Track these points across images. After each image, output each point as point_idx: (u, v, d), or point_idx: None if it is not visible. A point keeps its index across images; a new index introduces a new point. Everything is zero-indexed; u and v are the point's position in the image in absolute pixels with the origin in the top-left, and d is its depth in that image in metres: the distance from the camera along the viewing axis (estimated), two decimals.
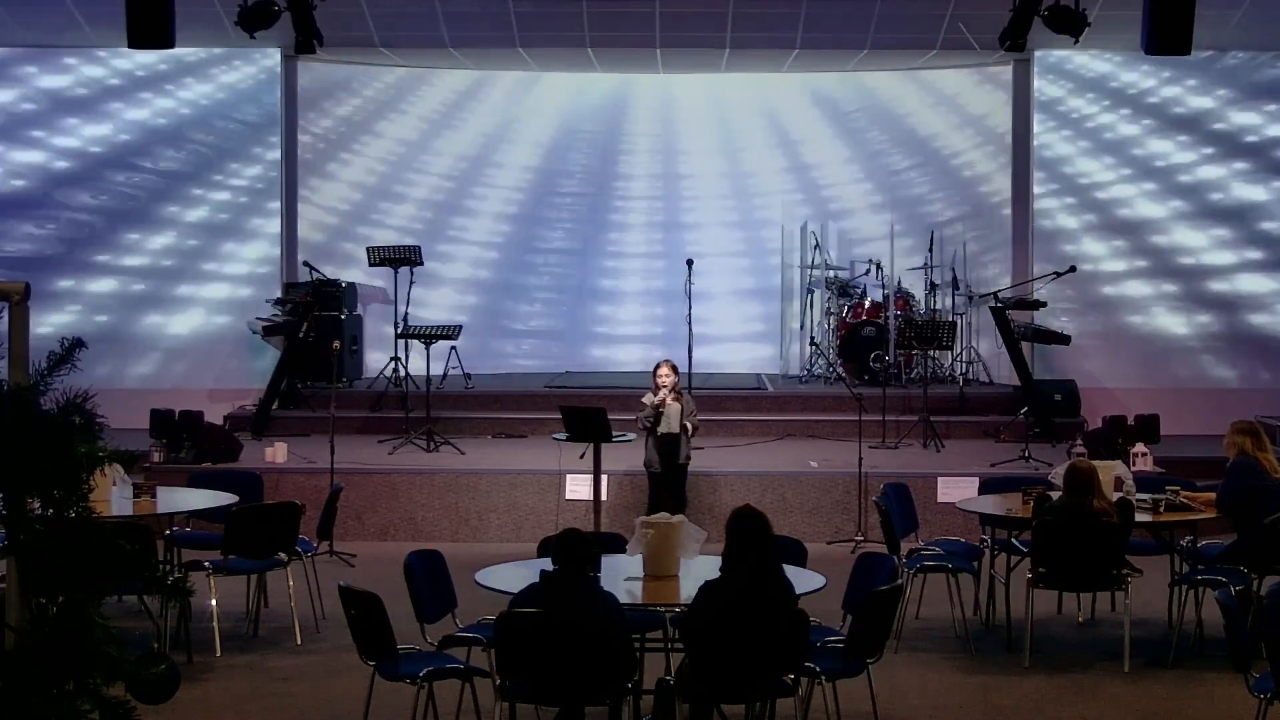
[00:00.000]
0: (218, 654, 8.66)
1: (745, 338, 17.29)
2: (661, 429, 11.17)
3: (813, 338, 16.04)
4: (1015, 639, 8.86)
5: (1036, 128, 15.53)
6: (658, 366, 11.39)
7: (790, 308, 16.85)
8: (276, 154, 15.60)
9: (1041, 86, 15.54)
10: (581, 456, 11.47)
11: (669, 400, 11.17)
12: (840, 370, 15.28)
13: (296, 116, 15.84)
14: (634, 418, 11.40)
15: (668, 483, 11.29)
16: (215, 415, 13.98)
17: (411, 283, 15.08)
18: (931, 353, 15.02)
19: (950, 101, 16.68)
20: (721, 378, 15.96)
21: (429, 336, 13.94)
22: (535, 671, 6.41)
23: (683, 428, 11.21)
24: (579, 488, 11.94)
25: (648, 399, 11.25)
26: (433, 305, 16.31)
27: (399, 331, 14.76)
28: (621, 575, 7.14)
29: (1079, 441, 12.34)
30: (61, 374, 4.17)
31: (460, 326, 14.33)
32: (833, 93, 17.20)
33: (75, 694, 4.06)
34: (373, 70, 16.40)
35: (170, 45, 11.81)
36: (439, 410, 13.93)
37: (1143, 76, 15.54)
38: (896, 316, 15.25)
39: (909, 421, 13.84)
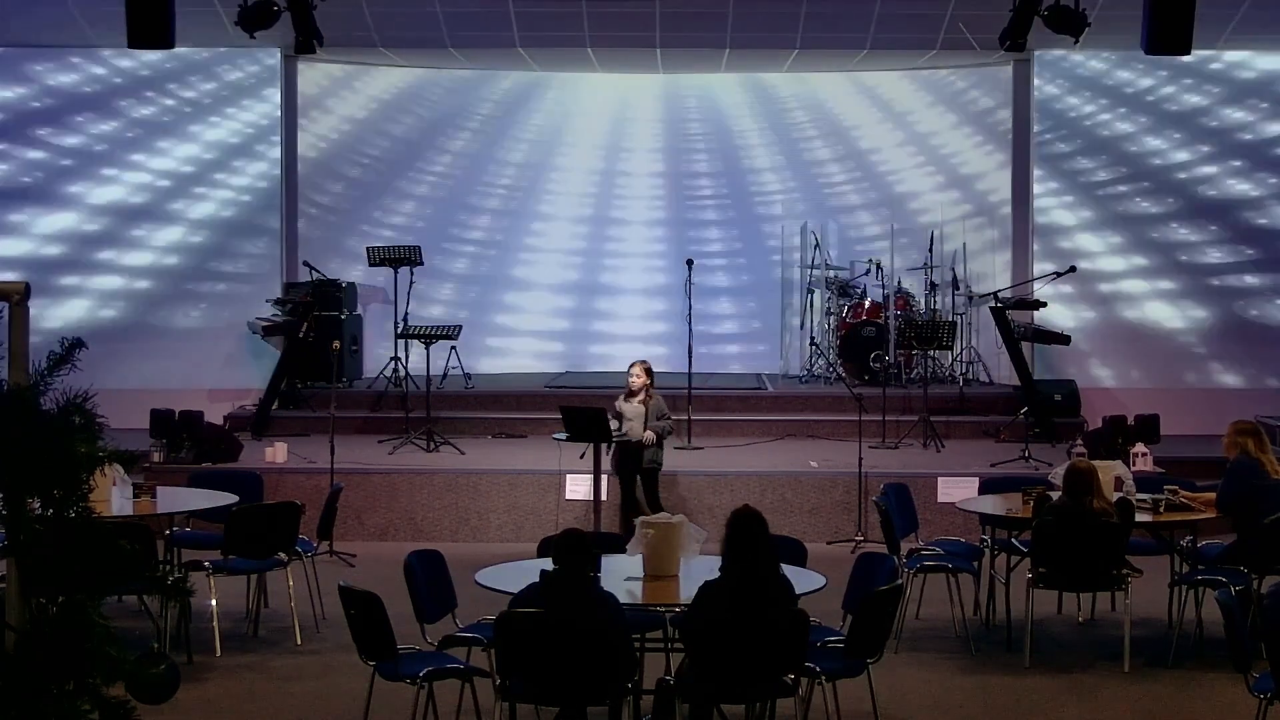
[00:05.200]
0: (218, 654, 8.66)
1: (745, 337, 17.30)
2: (623, 432, 11.17)
3: (813, 338, 16.03)
4: (1015, 639, 8.86)
5: (1036, 127, 15.54)
6: (631, 366, 11.41)
7: (790, 307, 16.85)
8: (276, 154, 15.60)
9: (1041, 86, 15.54)
10: (581, 456, 11.47)
11: (635, 402, 11.21)
12: (840, 370, 15.27)
13: (297, 116, 15.84)
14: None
15: (636, 488, 11.34)
16: (215, 415, 13.98)
17: (411, 282, 15.08)
18: (931, 353, 15.02)
19: (950, 101, 16.68)
20: (721, 378, 15.97)
21: (429, 336, 13.94)
22: (535, 672, 6.40)
23: (645, 438, 11.22)
24: (579, 488, 11.95)
25: (618, 403, 11.26)
26: (433, 305, 16.31)
27: (399, 331, 14.76)
28: (621, 575, 7.14)
29: (1079, 441, 12.33)
30: (61, 374, 4.17)
31: (460, 326, 14.34)
32: (833, 93, 17.20)
33: (75, 694, 4.06)
34: (373, 70, 16.40)
35: (170, 45, 11.81)
36: (439, 410, 13.93)
37: (1142, 76, 15.54)
38: (896, 316, 15.25)
39: (909, 421, 13.84)
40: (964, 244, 16.12)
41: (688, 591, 6.74)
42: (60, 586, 4.11)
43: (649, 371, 11.38)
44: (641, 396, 11.27)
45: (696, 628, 6.47)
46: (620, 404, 11.29)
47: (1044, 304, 14.76)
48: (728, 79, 16.96)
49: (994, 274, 15.92)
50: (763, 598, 6.49)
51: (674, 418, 12.03)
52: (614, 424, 11.12)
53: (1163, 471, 11.64)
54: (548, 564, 6.60)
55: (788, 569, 6.82)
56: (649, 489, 11.42)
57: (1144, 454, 12.29)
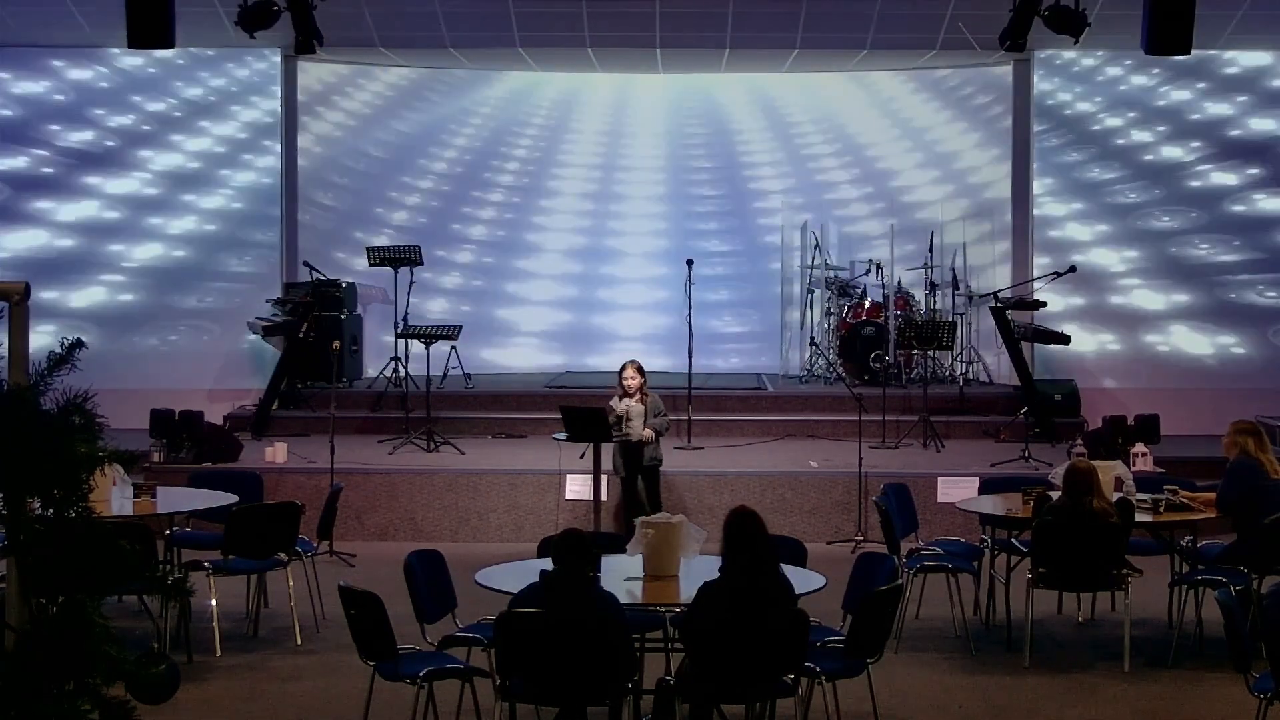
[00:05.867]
0: (218, 654, 8.66)
1: (745, 338, 17.30)
2: (625, 431, 11.16)
3: (813, 338, 16.04)
4: (1015, 639, 8.86)
5: (1036, 128, 15.53)
6: (623, 368, 11.39)
7: (790, 308, 16.85)
8: (276, 154, 15.60)
9: (1041, 86, 15.54)
10: (581, 456, 11.47)
11: (634, 402, 11.19)
12: (840, 370, 15.27)
13: (296, 116, 15.84)
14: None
15: (637, 486, 11.31)
16: (215, 415, 13.98)
17: (411, 283, 15.08)
18: (931, 353, 15.03)
19: (950, 101, 16.68)
20: (721, 378, 15.97)
21: (429, 336, 13.94)
22: (535, 672, 6.41)
23: (644, 436, 11.20)
24: (579, 488, 11.95)
25: (613, 403, 11.26)
26: (433, 305, 16.30)
27: (399, 331, 14.76)
28: (621, 575, 7.14)
29: (1079, 441, 12.33)
30: (61, 374, 4.17)
31: (460, 326, 14.33)
32: (833, 93, 17.20)
33: (75, 694, 4.06)
34: (373, 70, 16.40)
35: (170, 45, 11.81)
36: (439, 410, 13.93)
37: (1143, 77, 15.54)
38: (896, 316, 15.25)
39: (909, 421, 13.84)
40: (964, 244, 16.12)
41: (688, 591, 6.74)
42: (60, 586, 4.11)
43: (642, 370, 11.38)
44: (638, 396, 11.27)
45: (696, 628, 6.47)
46: (617, 404, 11.27)
47: (1044, 304, 14.76)
48: (728, 79, 16.96)
49: (994, 274, 15.92)
50: (762, 598, 6.49)
51: (673, 417, 12.04)
52: (619, 424, 11.11)
53: (1163, 471, 11.63)
54: (548, 564, 6.60)
55: (788, 569, 6.81)
56: (651, 487, 11.42)
57: (1144, 454, 12.29)
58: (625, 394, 11.29)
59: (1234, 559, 8.81)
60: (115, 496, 8.74)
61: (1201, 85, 15.50)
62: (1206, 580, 8.79)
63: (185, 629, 8.64)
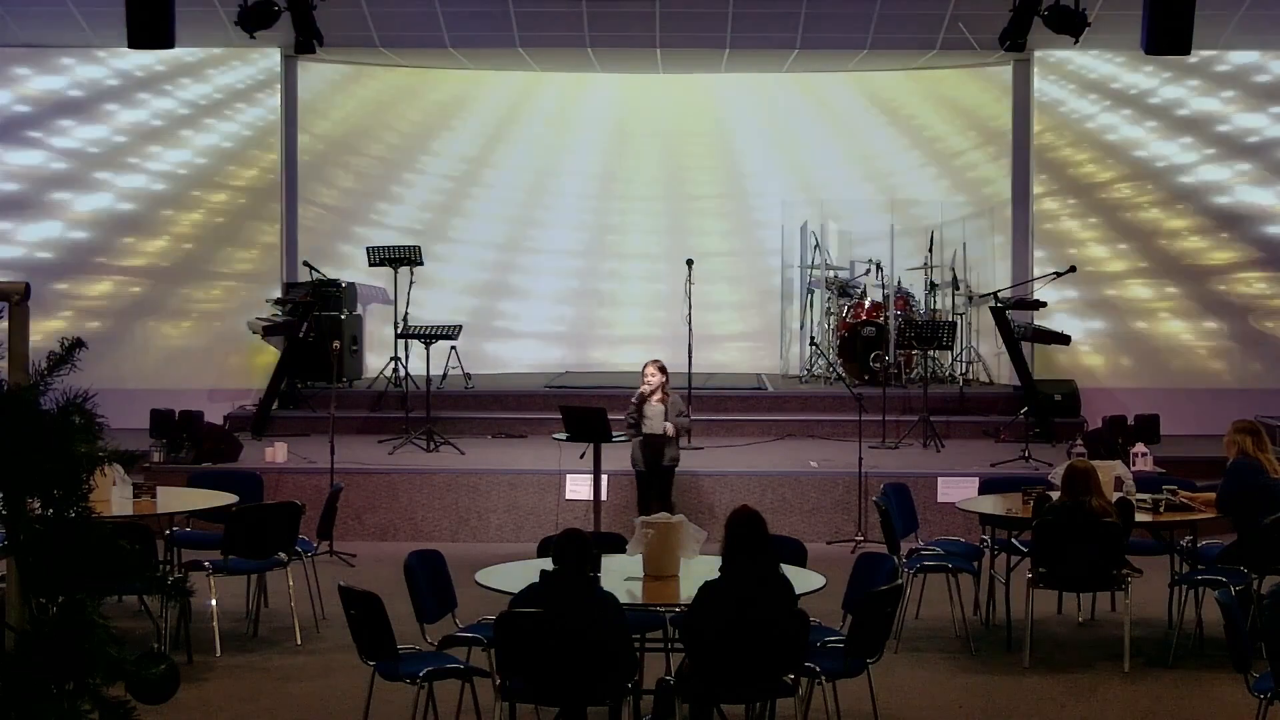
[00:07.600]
0: (218, 654, 8.66)
1: (745, 338, 17.30)
2: (645, 429, 11.16)
3: (813, 338, 16.03)
4: (1015, 639, 8.86)
5: (1036, 128, 15.53)
6: (645, 366, 11.39)
7: (790, 308, 16.85)
8: (276, 154, 15.60)
9: (1041, 86, 15.53)
10: (581, 456, 11.48)
11: (654, 400, 11.18)
12: (840, 370, 15.27)
13: (296, 116, 15.83)
14: (622, 417, 11.40)
15: (654, 483, 11.30)
16: (215, 415, 13.98)
17: (411, 283, 15.08)
18: (931, 353, 15.03)
19: (950, 101, 16.68)
20: (721, 378, 15.96)
21: (429, 336, 13.94)
22: (535, 671, 6.41)
23: (665, 429, 11.20)
24: (579, 488, 11.95)
25: (637, 398, 11.28)
26: (432, 305, 16.30)
27: (399, 331, 14.76)
28: (621, 575, 7.14)
29: (1079, 441, 12.31)
30: (61, 374, 4.17)
31: (460, 326, 14.33)
32: (833, 93, 17.20)
33: (75, 694, 4.05)
34: (373, 70, 16.40)
35: (170, 45, 11.83)
36: (439, 410, 13.93)
37: (1143, 76, 15.53)
38: (896, 316, 15.25)
39: (909, 421, 13.84)
40: (964, 244, 16.12)
41: (688, 591, 6.75)
42: (60, 586, 4.11)
43: (663, 370, 11.39)
44: (659, 395, 11.26)
45: (697, 628, 6.47)
46: (642, 401, 11.21)
47: (1044, 304, 14.76)
48: (728, 78, 16.95)
49: (994, 274, 15.92)
50: (763, 598, 6.49)
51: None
52: (629, 417, 11.09)
53: (1163, 471, 11.63)
54: (548, 564, 6.61)
55: (788, 569, 6.82)
56: (664, 487, 11.39)
57: (1144, 454, 12.29)
58: (649, 391, 11.23)
59: (1234, 559, 8.82)
60: (115, 496, 8.73)
61: (1203, 86, 15.48)
62: (1206, 580, 8.79)
63: (185, 629, 8.64)
